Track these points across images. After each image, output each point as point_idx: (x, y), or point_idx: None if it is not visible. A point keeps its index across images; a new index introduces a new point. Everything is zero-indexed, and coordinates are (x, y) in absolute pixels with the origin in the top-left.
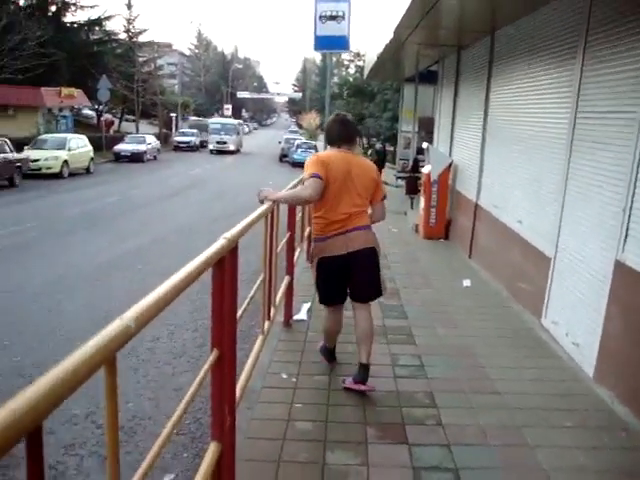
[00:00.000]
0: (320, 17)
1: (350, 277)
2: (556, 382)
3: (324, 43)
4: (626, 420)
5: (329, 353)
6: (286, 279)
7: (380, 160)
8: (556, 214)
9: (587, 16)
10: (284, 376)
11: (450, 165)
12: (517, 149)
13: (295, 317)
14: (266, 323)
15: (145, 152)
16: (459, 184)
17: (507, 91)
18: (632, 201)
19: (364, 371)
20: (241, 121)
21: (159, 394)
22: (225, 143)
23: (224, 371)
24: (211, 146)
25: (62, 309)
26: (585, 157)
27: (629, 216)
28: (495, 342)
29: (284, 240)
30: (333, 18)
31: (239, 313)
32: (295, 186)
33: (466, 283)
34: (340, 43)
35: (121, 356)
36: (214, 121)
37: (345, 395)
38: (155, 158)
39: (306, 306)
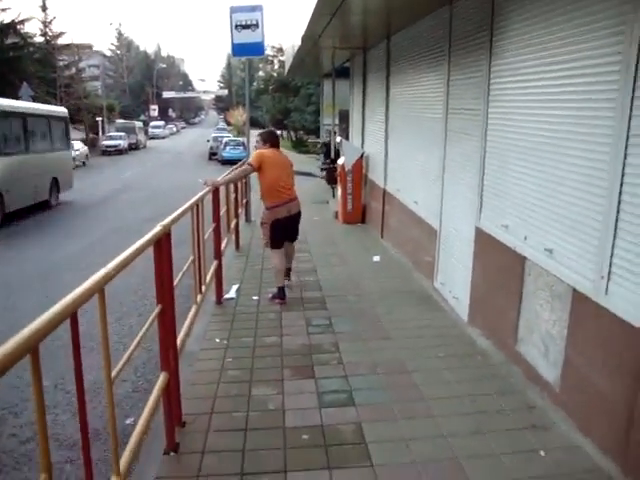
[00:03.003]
0: (236, 26)
1: (288, 228)
2: (438, 328)
3: (241, 50)
4: (484, 348)
5: (282, 292)
6: (214, 263)
7: (328, 151)
8: (439, 193)
9: (449, 31)
10: (217, 340)
11: (362, 156)
12: (411, 139)
13: (225, 296)
14: (198, 297)
15: (74, 159)
16: (371, 172)
17: (401, 89)
18: (483, 180)
19: (289, 271)
20: (140, 123)
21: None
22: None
23: (167, 320)
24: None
25: (18, 307)
26: (455, 145)
27: (482, 191)
28: (394, 302)
29: (210, 229)
30: (248, 27)
31: (175, 282)
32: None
33: (376, 259)
34: (256, 49)
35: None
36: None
37: (267, 350)
38: (84, 164)
39: (235, 287)
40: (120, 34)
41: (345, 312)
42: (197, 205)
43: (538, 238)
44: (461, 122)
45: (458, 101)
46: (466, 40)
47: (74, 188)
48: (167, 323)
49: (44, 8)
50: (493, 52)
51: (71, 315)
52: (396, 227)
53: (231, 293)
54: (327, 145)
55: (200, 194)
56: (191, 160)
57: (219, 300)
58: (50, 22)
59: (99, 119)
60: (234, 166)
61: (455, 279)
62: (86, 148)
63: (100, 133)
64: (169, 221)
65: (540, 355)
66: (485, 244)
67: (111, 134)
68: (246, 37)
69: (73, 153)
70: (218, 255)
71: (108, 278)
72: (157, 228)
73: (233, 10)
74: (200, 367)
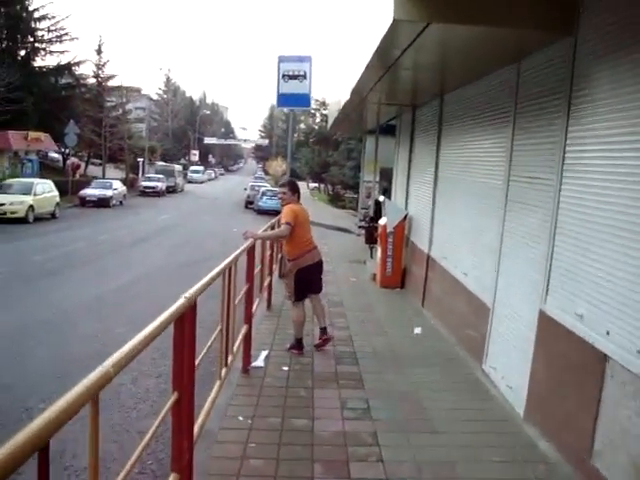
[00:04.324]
0: (283, 76)
1: (313, 277)
2: (491, 422)
3: (287, 100)
4: (547, 455)
5: (299, 343)
6: (244, 328)
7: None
8: (493, 268)
9: (515, 91)
10: (240, 418)
11: (405, 217)
12: (463, 205)
13: (253, 364)
14: (223, 370)
15: (111, 197)
16: (414, 235)
17: (453, 150)
18: (552, 258)
19: (324, 330)
20: (179, 167)
21: (123, 437)
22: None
23: (183, 411)
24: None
25: (30, 354)
26: (516, 216)
27: (549, 271)
28: (439, 385)
29: (242, 291)
30: (295, 77)
31: (197, 361)
32: (270, 227)
33: (417, 331)
34: (302, 101)
35: None
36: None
37: (296, 436)
38: (121, 203)
39: (264, 353)
40: (168, 79)
41: (384, 394)
42: (230, 268)
43: (627, 336)
44: (526, 192)
45: (523, 168)
46: (536, 102)
47: (108, 228)
48: (183, 415)
49: (99, 51)
50: (571, 116)
51: (42, 449)
52: (439, 297)
53: (259, 361)
54: (378, 204)
55: (233, 255)
56: (227, 207)
57: (246, 369)
58: (104, 65)
59: (140, 160)
60: (275, 218)
61: (510, 365)
62: (124, 188)
63: (140, 174)
64: (195, 292)
65: None
66: (551, 332)
67: (150, 175)
68: (292, 88)
69: (111, 192)
70: (249, 319)
71: (105, 381)
72: (180, 301)
73: (281, 59)
74: (218, 452)
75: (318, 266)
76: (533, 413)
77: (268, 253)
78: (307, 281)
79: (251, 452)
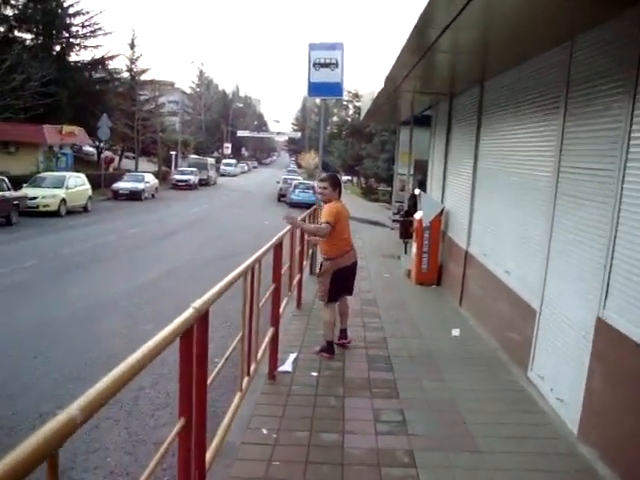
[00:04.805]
0: (314, 64)
1: (348, 278)
2: (539, 440)
3: (318, 89)
4: None
5: (331, 346)
6: (270, 331)
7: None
8: (541, 267)
9: (567, 73)
10: (264, 431)
11: (442, 212)
12: (505, 199)
13: (280, 369)
14: (245, 380)
15: (143, 190)
16: (451, 230)
17: (495, 140)
18: (612, 258)
19: (344, 332)
20: (212, 160)
21: (139, 449)
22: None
23: (191, 439)
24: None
25: (50, 353)
26: (568, 211)
27: (609, 273)
28: (480, 396)
29: (269, 292)
30: (327, 65)
31: (209, 380)
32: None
33: (455, 333)
34: (334, 89)
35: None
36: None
37: (324, 454)
38: (153, 196)
39: (292, 356)
40: (201, 73)
41: (421, 405)
42: (253, 268)
43: None
44: (580, 184)
45: (576, 158)
46: (593, 84)
47: (138, 221)
48: (192, 444)
49: (132, 46)
50: (638, 98)
51: None
52: (479, 296)
53: (287, 365)
54: (413, 197)
55: (255, 256)
56: (259, 200)
57: (272, 374)
58: (137, 59)
59: (173, 153)
60: (307, 210)
61: (561, 376)
62: (156, 181)
63: (173, 167)
64: (206, 300)
65: None
66: (612, 343)
67: (182, 169)
68: (324, 76)
69: (143, 185)
70: (275, 321)
71: (67, 431)
72: (189, 311)
73: (312, 47)
74: (238, 472)
75: (354, 267)
76: (589, 432)
77: (298, 249)
78: (343, 282)
79: (274, 472)
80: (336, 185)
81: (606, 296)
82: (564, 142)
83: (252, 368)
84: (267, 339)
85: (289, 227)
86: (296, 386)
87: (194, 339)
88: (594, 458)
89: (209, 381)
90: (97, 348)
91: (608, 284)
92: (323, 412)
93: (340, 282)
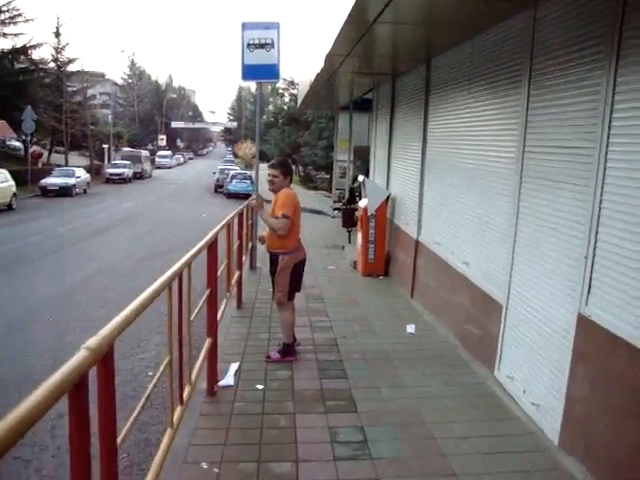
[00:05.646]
0: (248, 45)
1: (301, 274)
2: (518, 455)
3: (253, 72)
4: None
5: (291, 348)
6: (207, 342)
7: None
8: (506, 257)
9: (530, 42)
10: (204, 466)
11: (388, 198)
12: (460, 183)
13: (221, 383)
14: (176, 413)
15: (74, 186)
16: (397, 218)
17: (446, 121)
18: (595, 248)
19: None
20: (146, 153)
21: None
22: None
23: None
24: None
25: None
26: (536, 196)
27: (592, 265)
28: (446, 403)
29: (203, 298)
30: (262, 46)
31: (119, 439)
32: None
33: (410, 329)
34: (270, 72)
35: None
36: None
37: None
38: (85, 192)
39: (234, 367)
40: (133, 63)
41: (382, 418)
42: (180, 276)
43: None
44: (550, 165)
45: (545, 136)
46: (564, 52)
47: (67, 218)
48: None
49: (57, 34)
50: (621, 64)
51: None
52: (433, 288)
53: (228, 378)
54: (352, 192)
55: (177, 266)
56: (196, 192)
57: (211, 390)
58: (62, 48)
59: (105, 146)
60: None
61: (535, 378)
62: (88, 175)
63: (106, 161)
64: (106, 335)
65: None
66: (598, 343)
67: (116, 162)
68: (259, 58)
69: (73, 180)
70: (213, 331)
71: None
72: (81, 354)
73: (245, 27)
74: None
75: (305, 261)
76: (573, 444)
77: (236, 244)
78: (298, 278)
79: None
80: (287, 173)
81: (589, 290)
82: (529, 119)
83: (185, 394)
84: (203, 352)
85: (225, 221)
86: (240, 403)
87: (84, 395)
88: (581, 473)
89: (119, 440)
90: (11, 369)
91: (591, 277)
92: (272, 435)
93: (297, 277)
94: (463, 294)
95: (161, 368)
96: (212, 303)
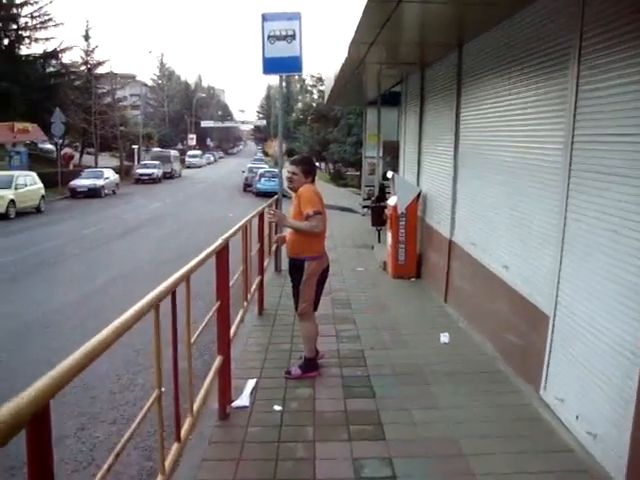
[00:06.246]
0: (269, 37)
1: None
2: None
3: (274, 65)
4: None
5: (314, 362)
6: (218, 360)
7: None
8: (551, 262)
9: (580, 13)
10: None
11: (418, 195)
12: (497, 179)
13: (235, 404)
14: (167, 461)
15: (103, 187)
16: (429, 217)
17: (480, 111)
18: None
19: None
20: (176, 152)
21: None
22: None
23: None
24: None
25: None
26: (589, 192)
27: None
28: (487, 430)
29: (211, 313)
30: (283, 38)
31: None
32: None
33: (444, 339)
34: (292, 65)
35: None
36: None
37: None
38: (114, 192)
39: (251, 384)
40: (162, 64)
41: (414, 448)
42: (173, 293)
43: None
44: (609, 157)
45: (600, 122)
46: (621, 22)
47: (95, 220)
48: None
49: (87, 37)
50: None
51: None
52: (469, 293)
53: (243, 398)
54: (382, 188)
55: (172, 280)
56: (225, 191)
57: (224, 413)
58: (92, 51)
59: (135, 147)
60: (270, 200)
61: (592, 403)
62: (117, 176)
63: (136, 161)
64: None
65: None
66: None
67: (145, 162)
68: (280, 50)
69: (102, 181)
70: (224, 349)
71: None
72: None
73: (266, 18)
74: None
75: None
76: None
77: (257, 247)
78: (322, 286)
79: None
80: (308, 171)
81: None
82: (578, 104)
83: (184, 429)
84: (212, 371)
85: (241, 223)
86: (254, 428)
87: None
88: None
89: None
90: (12, 386)
91: None
92: (288, 469)
93: (322, 286)
94: (503, 301)
95: (144, 410)
96: (223, 317)
